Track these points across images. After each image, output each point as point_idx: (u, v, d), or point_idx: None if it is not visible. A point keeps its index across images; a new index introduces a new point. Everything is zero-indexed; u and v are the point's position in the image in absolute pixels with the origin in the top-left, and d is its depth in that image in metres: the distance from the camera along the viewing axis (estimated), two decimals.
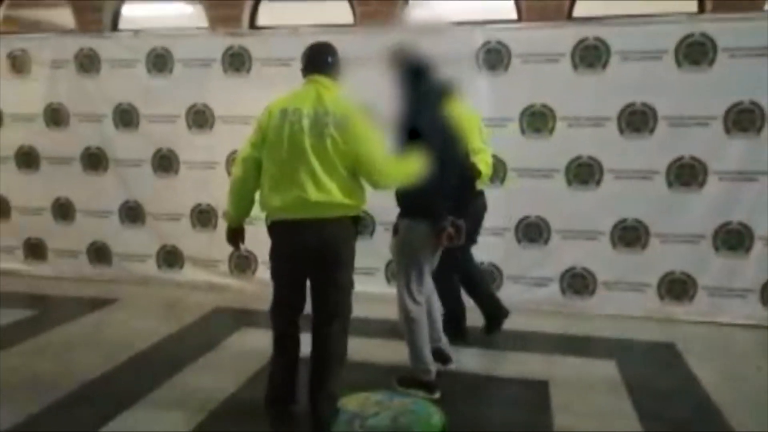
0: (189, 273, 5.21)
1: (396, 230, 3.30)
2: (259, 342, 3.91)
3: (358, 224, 2.87)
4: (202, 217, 5.17)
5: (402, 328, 3.28)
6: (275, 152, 2.69)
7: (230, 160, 5.02)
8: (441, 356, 3.43)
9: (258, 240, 5.04)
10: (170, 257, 5.26)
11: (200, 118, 5.05)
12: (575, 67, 4.38)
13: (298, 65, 4.71)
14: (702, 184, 4.30)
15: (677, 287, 4.42)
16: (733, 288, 4.34)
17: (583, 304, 4.58)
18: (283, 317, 2.91)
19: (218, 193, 5.05)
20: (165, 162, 5.16)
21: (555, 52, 4.39)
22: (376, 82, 3.68)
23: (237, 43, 4.93)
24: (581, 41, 4.34)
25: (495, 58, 4.50)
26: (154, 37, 5.14)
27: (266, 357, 3.29)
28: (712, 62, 4.18)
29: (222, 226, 5.08)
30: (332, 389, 2.80)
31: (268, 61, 4.88)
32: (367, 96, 3.56)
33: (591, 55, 4.34)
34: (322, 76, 2.81)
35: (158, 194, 5.19)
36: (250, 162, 2.80)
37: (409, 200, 3.08)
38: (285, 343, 2.90)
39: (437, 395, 3.20)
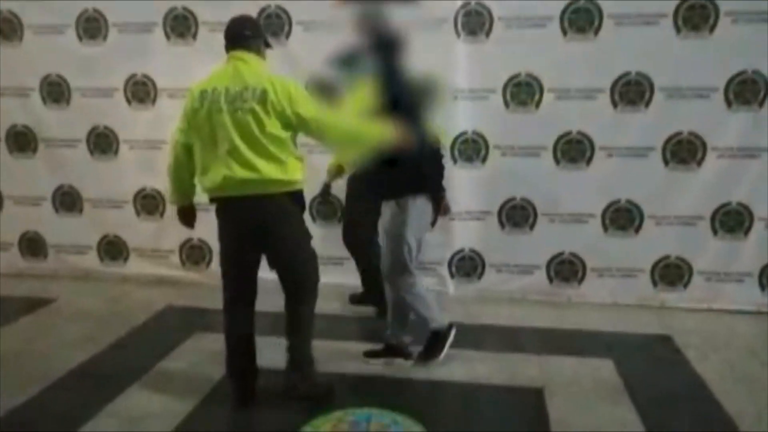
0: (135, 266, 4.67)
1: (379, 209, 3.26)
2: (215, 349, 3.45)
3: (302, 199, 2.82)
4: (148, 203, 4.60)
5: (402, 305, 3.26)
6: (199, 134, 2.70)
7: None
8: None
9: (212, 229, 4.63)
10: (113, 249, 4.70)
11: (141, 91, 4.45)
12: (564, 32, 3.93)
13: None
14: (700, 162, 3.95)
15: (672, 273, 4.11)
16: (730, 272, 4.05)
17: (571, 292, 4.23)
18: (233, 297, 2.93)
19: (164, 176, 4.47)
20: (102, 141, 4.55)
21: (542, 16, 3.93)
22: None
23: (180, 4, 4.31)
24: (571, 3, 3.89)
25: (475, 22, 4.01)
26: None
27: (223, 368, 3.05)
28: (713, 28, 3.78)
29: (171, 212, 4.59)
30: (308, 368, 2.90)
31: (218, 25, 4.22)
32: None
33: (582, 20, 3.89)
34: (243, 50, 2.76)
35: (96, 178, 4.60)
36: (179, 147, 2.83)
37: (407, 176, 3.04)
38: (236, 313, 2.94)
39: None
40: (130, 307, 4.15)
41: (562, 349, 3.49)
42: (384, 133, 2.76)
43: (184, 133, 2.80)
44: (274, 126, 2.60)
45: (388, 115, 2.86)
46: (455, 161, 4.12)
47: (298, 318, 2.88)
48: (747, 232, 3.98)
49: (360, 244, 3.90)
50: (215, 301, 4.27)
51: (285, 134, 2.64)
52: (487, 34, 4.00)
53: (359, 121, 2.83)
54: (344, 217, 4.08)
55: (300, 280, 2.85)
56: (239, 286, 2.89)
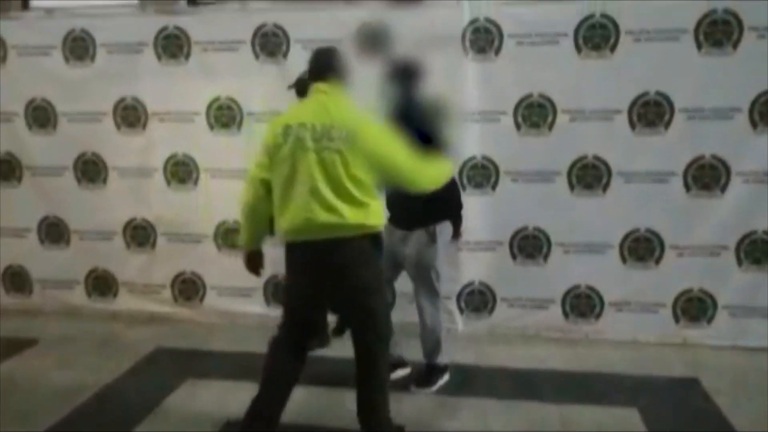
0: (125, 302, 4.40)
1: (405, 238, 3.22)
2: (210, 399, 3.22)
3: (381, 242, 2.62)
4: (138, 234, 4.35)
5: (437, 329, 3.29)
6: (280, 172, 2.50)
7: (169, 164, 4.22)
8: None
9: (204, 261, 4.40)
10: (101, 283, 4.43)
11: (131, 115, 4.20)
12: (579, 49, 3.68)
13: (247, 50, 4.05)
14: (724, 187, 3.69)
15: (695, 307, 3.82)
16: (757, 307, 3.76)
17: (588, 328, 3.94)
18: (286, 338, 2.65)
19: (157, 206, 4.29)
20: (90, 169, 4.31)
21: (555, 32, 3.69)
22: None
23: (172, 22, 4.08)
24: (586, 19, 3.64)
25: (484, 39, 3.77)
26: (70, 17, 4.22)
27: (219, 424, 2.93)
28: (737, 44, 3.54)
29: (163, 245, 4.34)
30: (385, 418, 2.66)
31: (212, 44, 4.05)
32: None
33: (598, 36, 3.65)
34: (327, 84, 2.58)
35: (84, 208, 4.35)
36: (257, 183, 2.59)
37: (437, 203, 3.02)
38: (283, 354, 2.65)
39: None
40: (119, 349, 3.87)
41: (583, 396, 3.21)
42: (448, 168, 2.82)
43: (263, 168, 2.56)
44: (359, 168, 2.44)
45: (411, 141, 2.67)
46: (464, 188, 3.86)
47: (377, 375, 2.63)
48: None
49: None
50: (208, 341, 4.06)
51: (369, 177, 2.48)
52: (497, 52, 3.76)
53: (430, 161, 2.65)
54: None
55: (377, 332, 2.62)
56: (299, 330, 2.67)
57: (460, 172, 3.87)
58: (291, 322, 2.64)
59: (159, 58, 4.11)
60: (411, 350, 3.39)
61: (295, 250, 2.55)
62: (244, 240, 2.76)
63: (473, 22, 3.76)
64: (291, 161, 2.46)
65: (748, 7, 3.51)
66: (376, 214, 2.53)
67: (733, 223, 3.70)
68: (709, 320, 3.82)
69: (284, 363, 2.64)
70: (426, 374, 3.33)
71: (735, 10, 3.50)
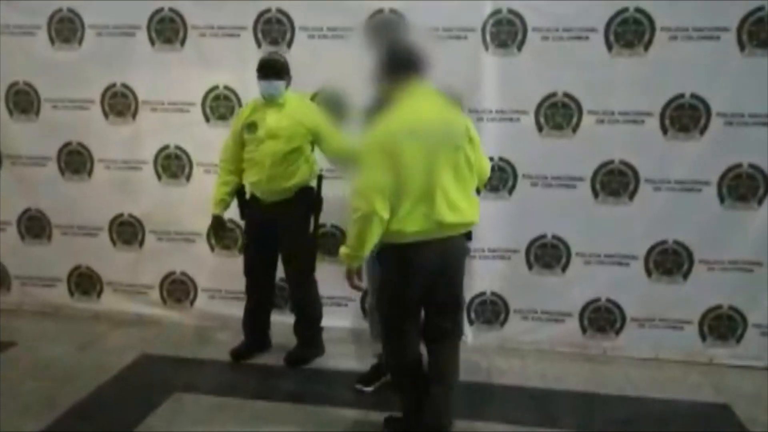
0: (109, 302, 4.10)
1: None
2: (199, 418, 2.94)
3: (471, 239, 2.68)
4: (125, 231, 4.04)
5: None
6: (406, 175, 2.36)
7: (160, 157, 3.92)
8: None
9: (196, 262, 4.10)
10: (85, 282, 4.13)
11: (120, 103, 3.88)
12: (609, 46, 3.39)
13: (249, 36, 3.72)
14: (761, 199, 3.42)
15: (723, 325, 3.57)
16: None
17: (607, 344, 3.69)
18: (403, 346, 2.63)
19: (146, 201, 3.98)
20: (75, 160, 3.99)
21: (584, 27, 3.39)
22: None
23: (168, 5, 3.75)
24: (618, 13, 3.35)
25: (506, 32, 3.47)
26: None
27: None
28: None
29: (152, 243, 4.02)
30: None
31: (210, 30, 3.73)
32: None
33: (630, 32, 3.36)
34: (420, 81, 2.51)
35: (68, 201, 4.03)
36: (386, 190, 2.36)
37: None
38: (412, 373, 2.67)
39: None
40: (101, 355, 3.58)
41: (606, 422, 2.96)
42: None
43: (387, 172, 2.35)
44: (474, 166, 2.50)
45: None
46: (478, 191, 3.58)
47: (454, 366, 2.70)
48: None
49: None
50: (198, 348, 3.74)
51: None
52: (520, 47, 3.46)
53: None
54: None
55: (458, 326, 2.73)
56: (417, 321, 2.64)
57: None
58: (409, 316, 2.59)
59: (152, 42, 3.79)
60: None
61: (413, 251, 2.45)
62: (360, 256, 2.47)
63: (495, 13, 3.46)
64: (420, 164, 2.36)
65: None
66: (478, 210, 2.58)
67: None
68: (738, 339, 3.57)
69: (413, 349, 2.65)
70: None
71: None
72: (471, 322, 3.80)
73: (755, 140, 3.37)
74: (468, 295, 3.75)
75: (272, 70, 3.24)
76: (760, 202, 3.43)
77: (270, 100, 3.26)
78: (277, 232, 3.37)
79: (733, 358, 3.57)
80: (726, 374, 3.47)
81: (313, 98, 3.66)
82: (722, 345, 3.59)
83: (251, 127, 3.28)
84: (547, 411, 3.06)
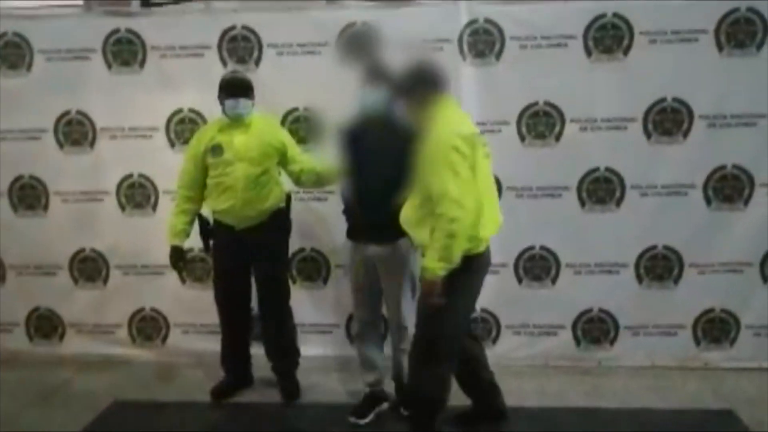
0: (73, 345, 3.81)
1: None
2: None
3: None
4: (87, 267, 3.76)
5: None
6: (481, 177, 2.45)
7: (123, 187, 3.67)
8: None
9: (166, 296, 3.78)
10: (45, 324, 3.82)
11: (76, 131, 3.63)
12: (589, 52, 3.33)
13: (213, 56, 3.51)
14: (747, 200, 3.41)
15: (717, 328, 3.53)
16: None
17: (602, 355, 3.60)
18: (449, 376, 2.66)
19: (109, 234, 3.72)
20: (29, 194, 3.70)
21: (562, 34, 3.32)
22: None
23: (124, 25, 3.53)
24: (596, 19, 3.29)
25: (484, 42, 3.38)
26: (3, 19, 3.59)
27: None
28: (761, 45, 3.26)
29: (117, 279, 3.74)
30: None
31: (171, 50, 3.52)
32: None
33: (609, 37, 3.31)
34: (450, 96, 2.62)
35: (22, 239, 3.73)
36: (477, 195, 2.40)
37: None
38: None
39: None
40: (68, 405, 3.29)
41: None
42: None
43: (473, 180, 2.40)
44: None
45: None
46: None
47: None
48: None
49: None
50: (175, 389, 3.47)
51: None
52: (498, 56, 3.37)
53: None
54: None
55: None
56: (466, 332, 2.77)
57: None
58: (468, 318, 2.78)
59: (109, 66, 3.55)
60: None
61: (485, 259, 2.60)
62: (450, 268, 2.38)
63: (471, 23, 3.37)
64: (479, 171, 2.42)
65: None
66: None
67: (757, 237, 3.42)
68: (732, 342, 3.53)
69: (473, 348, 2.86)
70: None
71: (759, 8, 3.22)
72: None
73: (738, 141, 3.35)
74: None
75: (239, 88, 3.05)
76: (746, 203, 3.41)
77: (236, 120, 3.06)
78: (251, 259, 3.17)
79: (728, 360, 3.53)
80: (724, 378, 3.42)
81: (284, 118, 3.50)
82: (716, 348, 3.55)
83: (216, 150, 3.05)
84: (549, 430, 2.95)
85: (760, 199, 3.39)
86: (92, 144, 3.63)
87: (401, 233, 2.87)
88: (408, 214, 2.55)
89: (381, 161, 2.81)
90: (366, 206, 2.87)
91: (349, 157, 2.93)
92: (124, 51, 3.53)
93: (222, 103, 3.07)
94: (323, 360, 3.64)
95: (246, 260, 3.17)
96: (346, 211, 3.02)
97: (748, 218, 3.42)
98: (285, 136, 3.20)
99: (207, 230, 3.23)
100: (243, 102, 3.03)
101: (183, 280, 3.71)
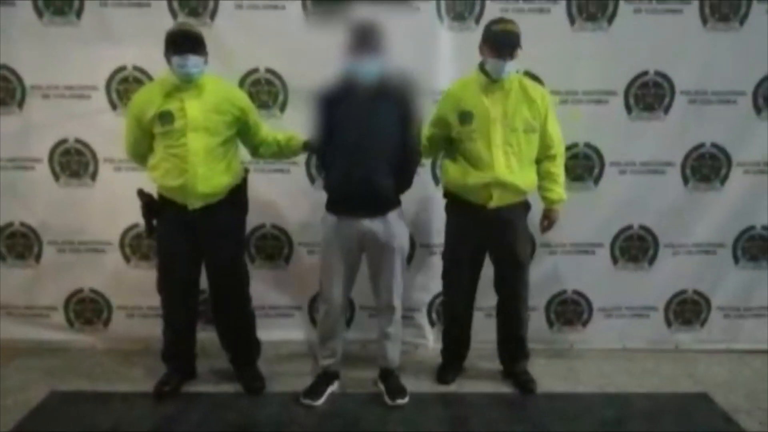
0: (5, 329, 3.39)
1: None
2: None
3: None
4: (17, 244, 3.35)
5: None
6: None
7: (57, 154, 3.27)
8: None
9: (108, 276, 3.43)
10: None
11: (2, 89, 3.19)
12: (572, 20, 3.15)
13: (162, 6, 3.08)
14: (724, 179, 3.34)
15: (688, 310, 3.48)
16: (751, 307, 3.48)
17: (574, 337, 3.50)
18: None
19: (41, 207, 3.32)
20: None
21: None
22: None
23: None
24: None
25: (463, 4, 3.15)
26: None
27: None
28: (744, 18, 3.16)
29: (52, 256, 3.36)
30: None
31: None
32: None
33: (594, 4, 3.13)
34: None
35: None
36: None
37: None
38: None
39: None
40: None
41: (596, 424, 2.76)
42: None
43: None
44: None
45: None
46: (438, 182, 3.26)
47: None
48: None
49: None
50: (119, 379, 3.14)
51: None
52: (478, 20, 3.14)
53: None
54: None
55: None
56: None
57: (434, 164, 3.27)
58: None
59: (39, 14, 3.12)
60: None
61: None
62: None
63: None
64: None
65: None
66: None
67: (732, 218, 3.37)
68: (702, 323, 3.50)
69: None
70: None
71: None
72: (432, 324, 3.48)
73: (718, 118, 3.26)
74: (428, 295, 3.46)
75: (188, 42, 2.60)
76: (722, 182, 3.34)
77: (186, 81, 2.65)
78: (205, 243, 2.82)
79: (698, 342, 3.50)
80: (696, 361, 3.38)
81: (242, 80, 3.17)
82: (687, 330, 3.51)
83: (165, 117, 2.65)
84: (532, 418, 2.82)
85: (737, 179, 3.33)
86: (20, 104, 3.20)
87: (392, 205, 2.70)
88: (516, 167, 2.78)
89: (371, 129, 2.60)
90: (354, 178, 2.63)
91: (329, 125, 2.67)
92: None
93: (168, 60, 2.65)
94: (283, 345, 3.39)
95: (197, 244, 2.82)
96: (330, 184, 2.76)
97: (724, 199, 3.35)
98: (245, 101, 2.85)
99: (152, 209, 2.82)
100: (193, 59, 2.60)
101: (140, 257, 3.38)
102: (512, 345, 3.11)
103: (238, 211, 2.91)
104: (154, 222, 2.84)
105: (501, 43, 2.70)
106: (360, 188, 2.64)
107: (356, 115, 2.60)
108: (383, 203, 2.69)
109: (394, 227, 2.73)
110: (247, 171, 2.95)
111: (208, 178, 2.69)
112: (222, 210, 2.79)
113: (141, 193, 2.81)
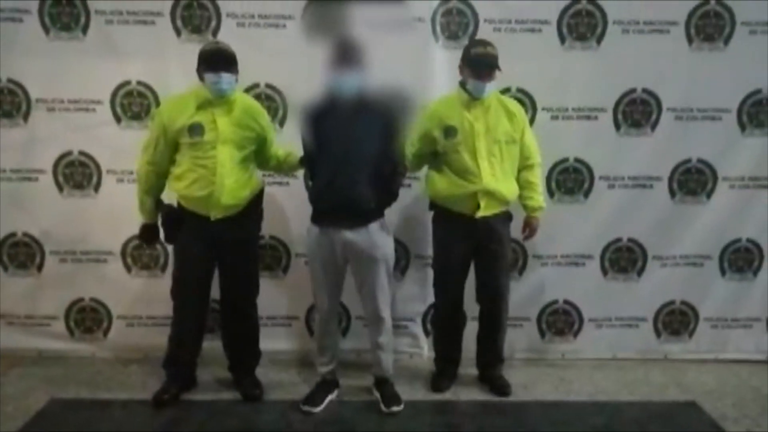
0: (4, 338, 3.43)
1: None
2: None
3: None
4: (20, 253, 3.41)
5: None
6: None
7: (61, 165, 3.34)
8: None
9: (109, 285, 3.44)
10: None
11: (7, 102, 3.26)
12: (562, 39, 3.27)
13: (166, 24, 3.17)
14: (710, 193, 3.44)
15: (677, 320, 3.56)
16: (738, 318, 3.56)
17: (565, 347, 3.57)
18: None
19: (44, 217, 3.40)
20: None
21: (537, 19, 3.24)
22: None
23: None
24: (572, 4, 3.23)
25: (457, 23, 3.26)
26: None
27: None
28: (728, 39, 3.28)
29: (53, 266, 3.41)
30: None
31: (118, 15, 3.21)
32: None
33: (583, 24, 3.25)
34: None
35: None
36: None
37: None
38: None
39: None
40: None
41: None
42: None
43: None
44: None
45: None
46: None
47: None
48: (756, 272, 3.52)
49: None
50: (118, 386, 3.18)
51: None
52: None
53: None
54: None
55: None
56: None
57: None
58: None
59: (46, 30, 3.21)
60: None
61: None
62: None
63: (444, 3, 3.23)
64: None
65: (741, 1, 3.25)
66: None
67: (718, 231, 3.47)
68: (691, 334, 3.58)
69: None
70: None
71: (728, 3, 3.23)
72: (427, 334, 3.55)
73: (703, 134, 3.36)
74: (423, 305, 3.52)
75: (223, 61, 2.72)
76: (708, 196, 3.44)
77: (219, 96, 2.75)
78: (222, 252, 2.90)
79: (687, 352, 3.58)
80: (685, 370, 3.45)
81: None
82: (676, 341, 3.59)
83: (196, 129, 2.74)
84: (523, 425, 2.88)
85: (722, 193, 3.43)
86: (26, 117, 3.28)
87: (373, 216, 2.77)
88: (501, 177, 2.90)
89: (354, 142, 2.69)
90: (336, 189, 2.71)
91: (315, 138, 2.76)
92: (64, 13, 3.19)
93: (201, 77, 2.76)
94: (282, 354, 3.45)
95: (214, 254, 2.90)
96: (313, 196, 2.84)
97: (710, 212, 3.45)
98: (267, 119, 2.98)
99: (174, 219, 2.88)
100: (226, 77, 2.72)
101: (141, 267, 3.45)
102: (490, 350, 3.19)
103: (254, 223, 3.01)
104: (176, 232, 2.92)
105: (480, 65, 2.84)
106: (341, 199, 2.72)
107: (339, 128, 2.70)
108: (364, 214, 2.76)
109: (376, 238, 2.79)
110: (264, 184, 3.05)
111: (233, 190, 2.80)
112: (240, 221, 2.88)
113: (162, 204, 2.91)
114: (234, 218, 2.85)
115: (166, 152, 2.82)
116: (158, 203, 2.90)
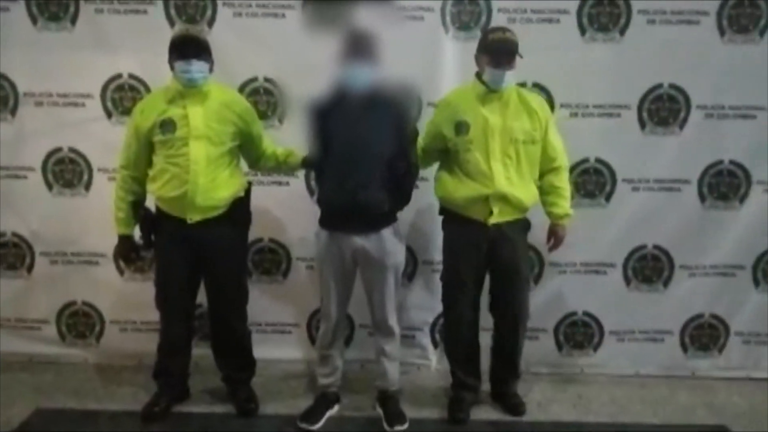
0: None
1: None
2: None
3: None
4: (9, 254, 3.26)
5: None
6: None
7: (50, 163, 3.18)
8: None
9: (101, 288, 3.30)
10: None
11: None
12: (583, 30, 3.03)
13: (159, 13, 2.96)
14: (743, 197, 3.18)
15: (705, 335, 3.31)
16: None
17: (584, 361, 3.34)
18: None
19: (34, 217, 3.24)
20: None
21: (555, 9, 3.01)
22: None
23: None
24: None
25: (469, 13, 3.04)
26: None
27: None
28: (764, 30, 3.02)
29: (44, 268, 3.25)
30: None
31: (109, 4, 3.03)
32: None
33: (605, 15, 3.01)
34: None
35: None
36: None
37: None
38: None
39: None
40: None
41: None
42: None
43: None
44: None
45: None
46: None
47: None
48: None
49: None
50: (108, 396, 3.02)
51: None
52: (484, 30, 3.03)
53: None
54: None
55: None
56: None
57: None
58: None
59: (33, 20, 3.04)
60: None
61: None
62: None
63: None
64: None
65: None
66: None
67: (751, 238, 3.20)
68: (720, 349, 3.32)
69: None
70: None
71: None
72: (435, 345, 3.34)
73: (735, 134, 3.10)
74: (431, 315, 3.32)
75: (193, 47, 2.51)
76: (741, 201, 3.18)
77: (190, 87, 2.55)
78: (204, 258, 2.70)
79: (716, 369, 3.32)
80: (715, 390, 3.19)
81: (241, 89, 3.08)
82: (704, 356, 3.33)
83: (166, 125, 2.55)
84: None
85: (756, 198, 3.17)
86: (13, 111, 3.12)
87: (386, 221, 2.57)
88: (516, 180, 2.65)
89: (365, 140, 2.48)
90: (347, 191, 2.51)
91: (322, 136, 2.56)
92: (52, 3, 3.02)
93: (172, 66, 2.56)
94: (280, 364, 3.26)
95: (197, 260, 2.70)
96: (322, 198, 2.65)
97: (743, 218, 3.19)
98: (249, 112, 2.75)
99: (150, 222, 2.71)
100: (197, 64, 2.51)
101: (135, 269, 3.26)
102: (505, 366, 2.94)
103: (239, 226, 2.79)
104: (152, 236, 2.74)
105: (499, 52, 2.58)
106: (351, 203, 2.51)
107: (349, 125, 2.49)
108: (376, 219, 2.57)
109: (388, 244, 2.60)
110: (250, 184, 2.84)
111: (208, 190, 2.58)
112: (222, 225, 2.67)
113: (139, 206, 2.72)
114: (214, 221, 2.64)
115: (143, 154, 2.64)
116: (134, 205, 2.71)
